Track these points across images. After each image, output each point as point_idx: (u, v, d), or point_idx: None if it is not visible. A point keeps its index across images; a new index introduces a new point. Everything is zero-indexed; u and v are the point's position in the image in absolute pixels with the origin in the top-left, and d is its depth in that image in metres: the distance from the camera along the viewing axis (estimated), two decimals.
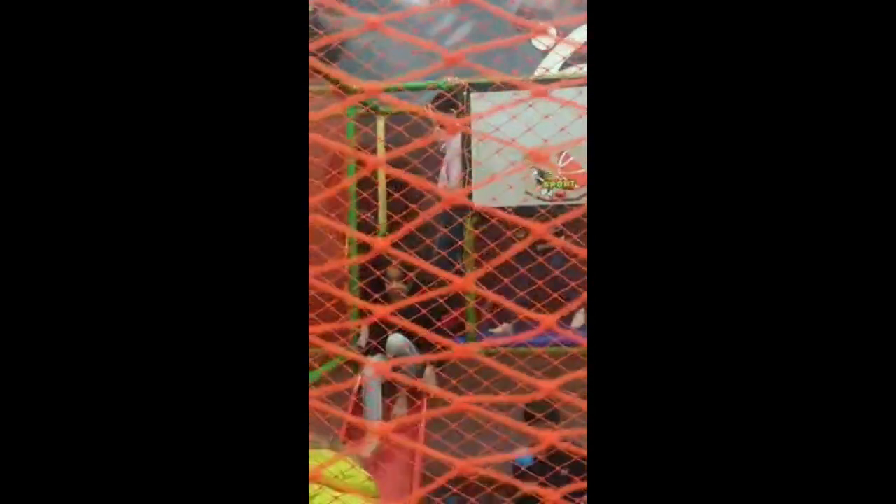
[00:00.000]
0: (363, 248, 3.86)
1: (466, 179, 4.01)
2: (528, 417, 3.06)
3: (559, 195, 3.99)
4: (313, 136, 0.66)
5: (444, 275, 0.65)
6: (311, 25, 3.11)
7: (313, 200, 0.67)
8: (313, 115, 0.66)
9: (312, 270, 0.60)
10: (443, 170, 4.55)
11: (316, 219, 0.66)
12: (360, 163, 4.08)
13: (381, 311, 0.57)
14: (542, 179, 3.99)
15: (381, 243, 0.58)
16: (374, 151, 4.33)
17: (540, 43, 5.32)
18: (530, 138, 3.20)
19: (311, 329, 0.63)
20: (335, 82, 3.83)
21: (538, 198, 3.94)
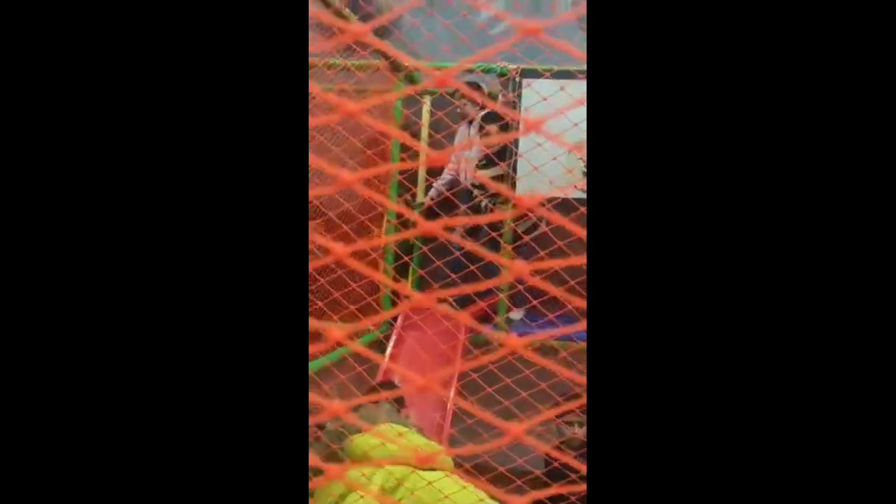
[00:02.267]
0: (402, 228, 3.82)
1: (510, 173, 3.95)
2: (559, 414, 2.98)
3: None
4: (353, 110, 0.61)
5: (500, 260, 0.61)
6: (360, 2, 3.06)
7: (352, 178, 0.62)
8: (359, 102, 0.61)
9: (345, 248, 0.56)
10: (450, 163, 4.48)
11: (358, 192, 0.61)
12: (405, 146, 4.04)
13: (417, 297, 0.53)
14: None
15: (429, 225, 0.54)
16: (417, 134, 4.29)
17: None
18: (577, 132, 3.12)
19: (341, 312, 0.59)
20: (387, 57, 3.78)
21: (584, 191, 3.87)
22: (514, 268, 0.51)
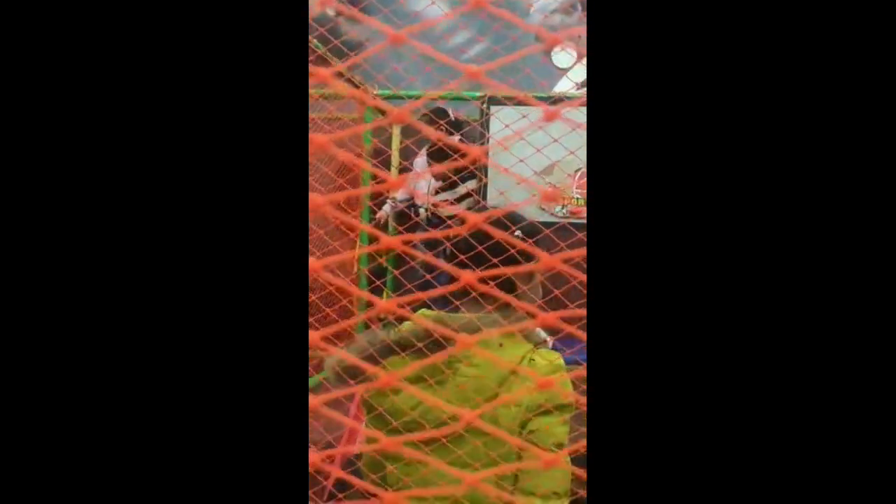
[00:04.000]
0: (372, 258, 3.87)
1: (479, 194, 4.03)
2: None
3: (573, 213, 4.00)
4: (322, 141, 0.64)
5: (450, 268, 0.61)
6: (329, 34, 3.13)
7: (323, 200, 0.66)
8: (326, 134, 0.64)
9: (318, 262, 0.59)
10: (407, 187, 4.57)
11: (325, 211, 0.65)
12: (375, 176, 4.10)
13: (382, 304, 0.56)
14: None
15: (390, 240, 0.57)
16: (387, 161, 4.36)
17: (561, 60, 5.34)
18: (541, 157, 3.20)
19: (313, 333, 0.62)
20: (357, 85, 3.86)
21: (552, 214, 3.95)
22: (462, 276, 0.53)
